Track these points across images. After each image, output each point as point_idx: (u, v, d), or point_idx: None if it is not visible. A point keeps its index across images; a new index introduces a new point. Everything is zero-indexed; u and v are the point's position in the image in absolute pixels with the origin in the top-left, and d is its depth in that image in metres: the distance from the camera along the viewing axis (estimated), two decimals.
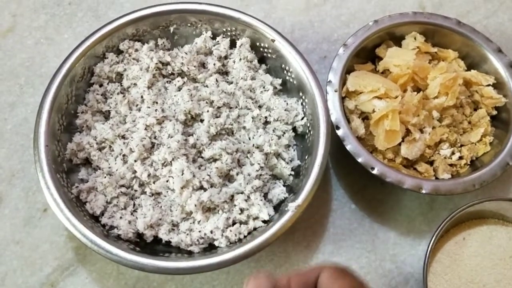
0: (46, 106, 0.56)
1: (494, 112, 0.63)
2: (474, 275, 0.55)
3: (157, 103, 0.58)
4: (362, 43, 0.63)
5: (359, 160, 0.56)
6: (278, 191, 0.57)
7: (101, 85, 0.61)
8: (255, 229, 0.55)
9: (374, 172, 0.56)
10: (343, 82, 0.61)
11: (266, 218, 0.54)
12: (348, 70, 0.62)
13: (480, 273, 0.55)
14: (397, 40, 0.65)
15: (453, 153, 0.61)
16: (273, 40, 0.60)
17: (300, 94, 0.60)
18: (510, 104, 0.61)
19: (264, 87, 0.61)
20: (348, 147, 0.56)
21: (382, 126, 0.58)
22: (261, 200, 0.55)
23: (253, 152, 0.57)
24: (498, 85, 0.62)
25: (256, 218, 0.55)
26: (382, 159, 0.60)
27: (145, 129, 0.56)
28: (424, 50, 0.64)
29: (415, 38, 0.64)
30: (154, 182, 0.55)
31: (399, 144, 0.59)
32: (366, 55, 0.65)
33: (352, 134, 0.57)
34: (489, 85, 0.62)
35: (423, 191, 0.55)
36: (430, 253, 0.53)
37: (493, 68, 0.63)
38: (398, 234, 0.61)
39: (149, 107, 0.58)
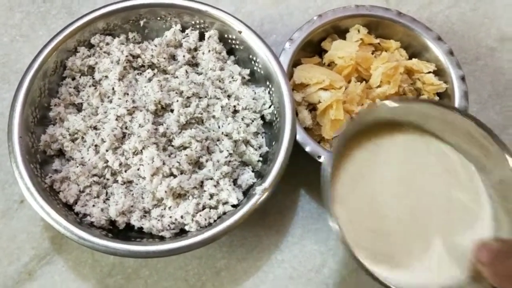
0: (19, 99, 0.57)
1: (436, 98, 0.64)
2: (385, 184, 0.52)
3: (128, 94, 0.59)
4: (307, 37, 0.65)
5: (307, 149, 0.58)
6: (247, 177, 0.58)
7: (73, 79, 0.62)
8: (224, 213, 0.56)
9: (321, 160, 0.57)
10: (290, 75, 0.63)
11: (235, 202, 0.56)
12: (296, 63, 0.64)
13: (391, 183, 0.52)
14: (342, 33, 0.67)
15: None
16: (240, 32, 0.62)
17: (267, 83, 0.62)
18: (451, 90, 0.63)
19: (232, 77, 0.63)
20: (296, 137, 0.58)
21: (328, 116, 0.61)
22: (230, 185, 0.57)
23: (222, 140, 0.59)
24: (439, 72, 0.64)
25: (225, 202, 0.56)
26: (330, 147, 0.61)
27: (116, 119, 0.57)
28: (367, 41, 0.66)
29: (358, 31, 0.66)
30: (125, 171, 0.57)
31: None
32: (313, 48, 0.67)
33: (300, 125, 0.59)
34: (430, 72, 0.64)
35: None
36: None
37: (434, 55, 0.65)
38: None
39: (120, 99, 0.59)
